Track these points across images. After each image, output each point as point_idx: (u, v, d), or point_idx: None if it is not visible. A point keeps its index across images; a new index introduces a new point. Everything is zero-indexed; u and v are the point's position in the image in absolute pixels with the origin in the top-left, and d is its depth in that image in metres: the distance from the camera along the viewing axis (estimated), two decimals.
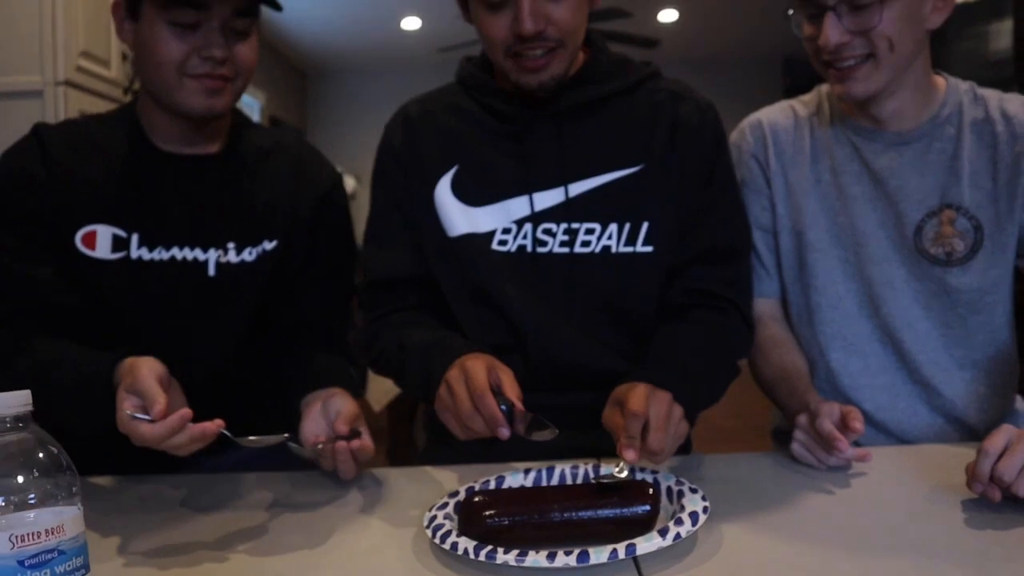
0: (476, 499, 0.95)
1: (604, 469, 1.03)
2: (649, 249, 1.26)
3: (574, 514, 0.92)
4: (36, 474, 0.62)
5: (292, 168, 1.36)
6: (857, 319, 1.35)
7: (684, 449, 1.31)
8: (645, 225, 1.25)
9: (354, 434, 1.11)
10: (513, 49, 1.20)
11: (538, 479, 1.07)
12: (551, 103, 1.27)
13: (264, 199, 1.32)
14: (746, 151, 1.42)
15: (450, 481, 1.15)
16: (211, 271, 1.28)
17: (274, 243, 1.31)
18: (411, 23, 6.73)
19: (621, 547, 0.83)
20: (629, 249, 1.25)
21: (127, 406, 0.96)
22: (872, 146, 1.34)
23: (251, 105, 6.74)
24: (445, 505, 0.99)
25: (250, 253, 1.30)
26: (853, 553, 0.87)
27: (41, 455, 0.63)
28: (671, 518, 0.92)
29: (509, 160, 1.29)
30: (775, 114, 1.44)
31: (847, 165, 1.35)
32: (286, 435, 1.06)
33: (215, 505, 1.11)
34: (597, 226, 1.26)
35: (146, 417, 0.95)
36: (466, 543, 0.87)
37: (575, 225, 1.26)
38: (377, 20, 6.63)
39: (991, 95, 1.35)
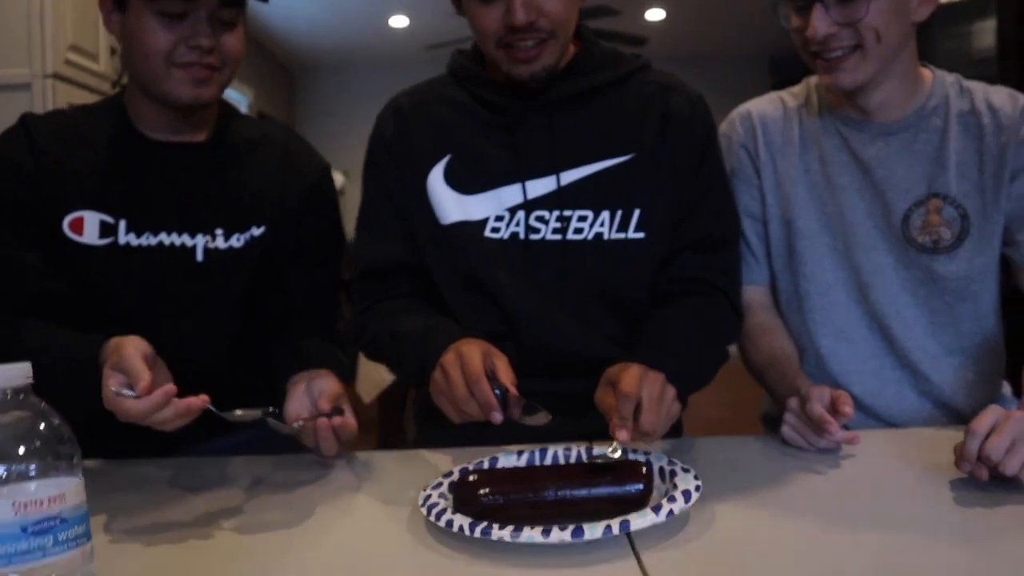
0: (471, 478, 0.96)
1: (597, 450, 1.04)
2: (641, 235, 1.27)
3: (568, 492, 0.93)
4: (38, 444, 0.62)
5: (280, 159, 1.37)
6: (846, 306, 1.37)
7: (675, 432, 1.33)
8: (637, 212, 1.27)
9: (337, 412, 1.12)
10: (505, 40, 1.21)
11: (531, 461, 1.08)
12: (542, 94, 1.28)
13: (252, 187, 1.33)
14: (736, 141, 1.43)
15: (443, 463, 1.16)
16: (199, 257, 1.28)
17: (262, 229, 1.32)
18: (399, 21, 6.73)
19: (615, 523, 0.84)
20: (621, 236, 1.27)
21: (112, 383, 0.98)
22: (860, 136, 1.36)
23: (239, 101, 6.73)
24: (439, 485, 1.00)
25: (238, 239, 1.30)
26: (844, 530, 0.88)
27: (42, 426, 0.64)
28: (664, 497, 0.93)
29: (501, 150, 1.29)
30: (764, 105, 1.45)
31: (835, 155, 1.37)
32: (271, 408, 1.07)
33: (202, 486, 1.11)
34: (589, 213, 1.27)
35: (131, 393, 0.96)
36: (461, 520, 0.88)
37: (567, 212, 1.27)
38: (365, 17, 6.63)
39: (977, 87, 1.37)
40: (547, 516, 0.91)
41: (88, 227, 1.25)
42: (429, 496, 0.96)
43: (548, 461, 1.08)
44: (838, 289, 1.37)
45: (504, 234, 1.28)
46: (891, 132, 1.34)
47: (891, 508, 0.94)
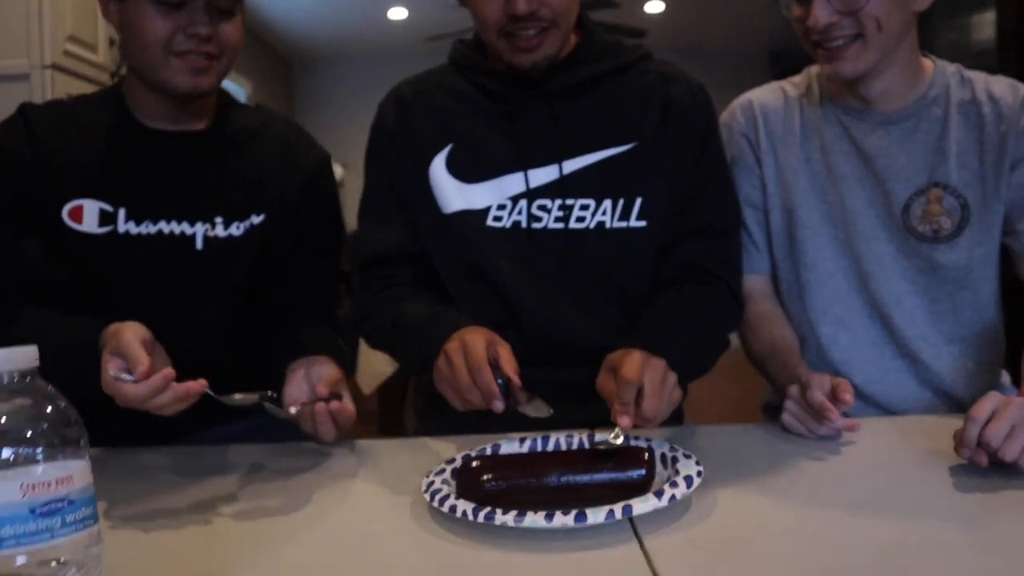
0: (474, 464, 0.96)
1: (599, 436, 1.04)
2: (643, 224, 1.27)
3: (571, 478, 0.93)
4: (45, 427, 0.63)
5: (280, 148, 1.37)
6: (847, 295, 1.37)
7: (677, 420, 1.33)
8: (639, 200, 1.27)
9: (335, 397, 1.13)
10: (506, 29, 1.21)
11: (533, 447, 1.08)
12: (544, 83, 1.28)
13: (251, 176, 1.33)
14: (736, 131, 1.43)
15: (445, 451, 1.16)
16: (199, 245, 1.28)
17: (262, 217, 1.32)
18: (397, 13, 6.72)
19: (618, 508, 0.84)
20: (623, 224, 1.27)
21: (111, 367, 0.98)
22: (861, 126, 1.36)
23: (237, 93, 6.62)
24: (442, 471, 1.00)
25: (238, 228, 1.30)
26: (845, 515, 0.88)
27: (49, 409, 0.64)
28: (666, 482, 0.93)
29: (503, 139, 1.30)
30: (765, 95, 1.45)
31: (836, 144, 1.37)
32: (270, 392, 1.08)
33: (203, 473, 1.11)
34: (591, 202, 1.27)
35: (130, 378, 0.96)
36: (465, 505, 0.88)
37: (569, 201, 1.27)
38: (363, 10, 6.61)
39: (977, 77, 1.37)
40: (550, 502, 0.91)
41: (87, 216, 1.25)
42: (432, 482, 0.97)
43: (550, 448, 1.09)
44: (839, 278, 1.37)
45: (506, 223, 1.28)
46: (892, 121, 1.34)
47: (891, 493, 0.95)
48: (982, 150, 1.32)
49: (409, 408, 3.66)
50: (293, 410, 1.12)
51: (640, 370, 1.00)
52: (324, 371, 1.17)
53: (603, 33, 1.36)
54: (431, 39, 5.97)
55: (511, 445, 1.08)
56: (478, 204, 1.29)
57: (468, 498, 0.91)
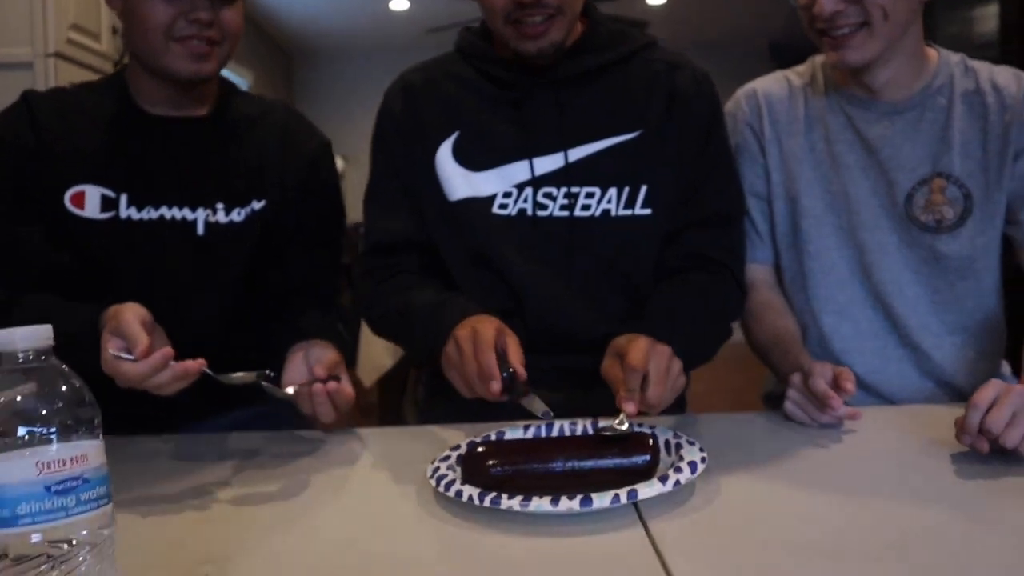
0: (479, 450, 0.97)
1: (603, 423, 1.05)
2: (648, 212, 1.28)
3: (576, 464, 0.94)
4: (60, 405, 0.63)
5: (280, 135, 1.38)
6: (849, 284, 1.38)
7: (680, 408, 1.34)
8: (643, 188, 1.28)
9: (333, 380, 1.13)
10: (513, 16, 1.21)
11: (537, 435, 1.09)
12: (550, 71, 1.29)
13: (252, 162, 1.34)
14: (741, 120, 1.44)
15: (449, 438, 1.17)
16: (200, 230, 1.29)
17: (263, 203, 1.33)
18: (399, 4, 6.70)
19: (623, 492, 0.85)
20: (628, 212, 1.27)
21: (111, 346, 0.99)
22: (865, 115, 1.36)
23: (238, 84, 6.69)
24: (447, 458, 1.01)
25: (239, 213, 1.31)
26: (845, 500, 0.89)
27: (64, 388, 0.65)
28: (670, 468, 0.94)
29: (509, 126, 1.30)
30: (769, 84, 1.46)
31: (841, 134, 1.38)
32: (269, 372, 1.09)
33: (203, 460, 1.12)
34: (597, 190, 1.27)
35: (129, 357, 0.97)
36: (470, 490, 0.89)
37: (575, 189, 1.27)
38: (365, 1, 6.60)
39: (981, 67, 1.37)
40: (555, 487, 0.91)
41: (89, 201, 1.26)
42: (438, 468, 0.97)
43: (554, 435, 1.09)
44: (841, 268, 1.38)
45: (512, 210, 1.29)
46: (897, 111, 1.35)
47: (892, 479, 0.96)
48: (986, 140, 1.33)
49: (409, 401, 3.67)
50: (290, 390, 1.12)
51: (646, 357, 1.00)
52: (323, 354, 1.18)
53: (609, 22, 1.36)
54: (433, 31, 5.96)
55: (515, 432, 1.09)
56: (484, 192, 1.29)
57: (473, 484, 0.91)
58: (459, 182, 1.30)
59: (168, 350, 0.98)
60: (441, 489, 0.91)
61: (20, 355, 0.64)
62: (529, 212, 1.28)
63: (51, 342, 0.65)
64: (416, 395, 3.54)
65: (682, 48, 1.39)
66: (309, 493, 0.99)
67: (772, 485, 0.95)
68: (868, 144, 1.36)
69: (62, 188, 1.25)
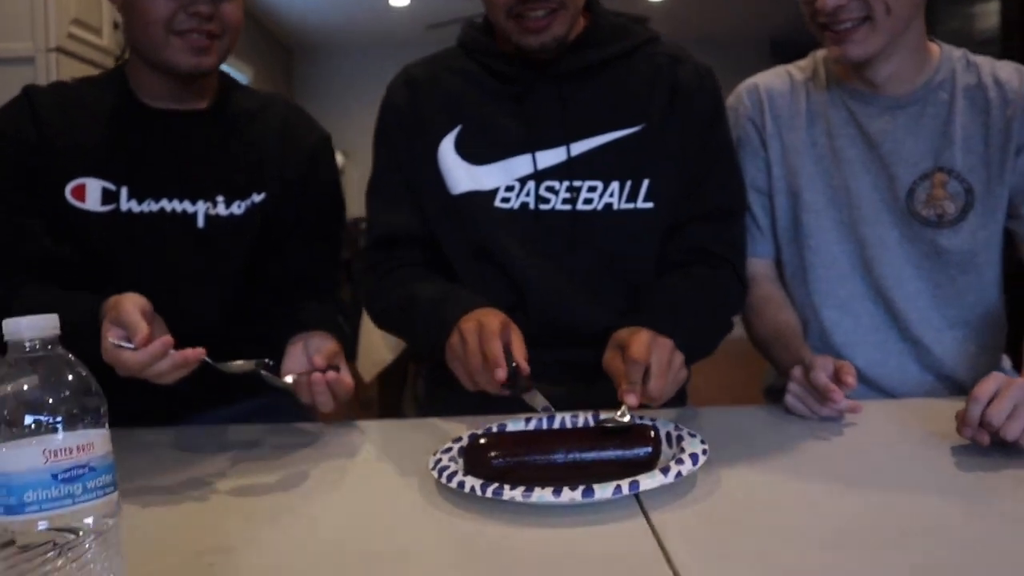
0: (481, 441, 0.97)
1: (605, 415, 1.05)
2: (650, 205, 1.28)
3: (577, 455, 0.94)
4: (67, 394, 0.64)
5: (279, 129, 1.38)
6: (850, 278, 1.38)
7: (680, 401, 1.34)
8: (646, 182, 1.28)
9: (332, 369, 1.14)
10: (515, 10, 1.22)
11: (539, 427, 1.09)
12: (552, 66, 1.29)
13: (252, 155, 1.34)
14: (743, 114, 1.44)
15: (451, 430, 1.17)
16: (200, 223, 1.29)
17: (263, 196, 1.33)
18: (399, 0, 6.70)
19: (625, 483, 0.85)
20: (630, 206, 1.28)
21: (111, 335, 1.00)
22: (867, 110, 1.37)
23: (238, 79, 6.68)
24: (449, 449, 1.01)
25: (239, 206, 1.31)
26: (846, 492, 0.90)
27: (70, 377, 0.65)
28: (671, 460, 0.94)
29: (511, 120, 1.30)
30: (771, 78, 1.46)
31: (842, 128, 1.38)
32: (268, 360, 1.09)
33: (204, 452, 1.13)
34: (599, 184, 1.28)
35: (129, 346, 0.98)
36: (473, 481, 0.89)
37: (577, 183, 1.28)
38: None
39: (983, 62, 1.37)
40: (556, 478, 0.92)
41: (90, 194, 1.26)
42: (440, 459, 0.97)
43: (556, 428, 1.10)
44: (842, 262, 1.38)
45: (514, 204, 1.29)
46: (898, 106, 1.35)
47: (893, 471, 0.96)
48: (987, 134, 1.33)
49: (408, 395, 3.67)
50: (289, 379, 1.13)
51: (648, 349, 1.01)
52: (322, 344, 1.19)
53: (611, 16, 1.36)
54: (432, 27, 5.96)
55: (517, 424, 1.09)
56: (486, 185, 1.29)
57: (475, 475, 0.92)
58: (461, 176, 1.30)
59: (168, 338, 0.98)
60: (443, 480, 0.92)
61: (27, 344, 0.64)
62: (531, 206, 1.29)
63: (57, 331, 0.66)
64: (416, 390, 3.55)
65: (683, 44, 1.39)
66: (311, 484, 0.99)
67: (773, 477, 0.95)
68: (870, 138, 1.36)
69: (63, 181, 1.26)
